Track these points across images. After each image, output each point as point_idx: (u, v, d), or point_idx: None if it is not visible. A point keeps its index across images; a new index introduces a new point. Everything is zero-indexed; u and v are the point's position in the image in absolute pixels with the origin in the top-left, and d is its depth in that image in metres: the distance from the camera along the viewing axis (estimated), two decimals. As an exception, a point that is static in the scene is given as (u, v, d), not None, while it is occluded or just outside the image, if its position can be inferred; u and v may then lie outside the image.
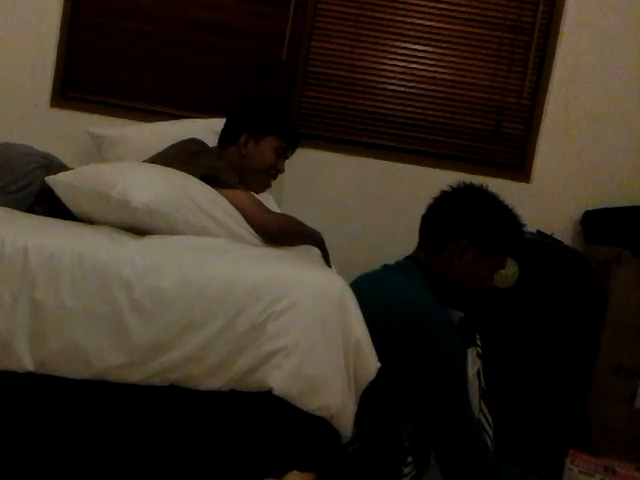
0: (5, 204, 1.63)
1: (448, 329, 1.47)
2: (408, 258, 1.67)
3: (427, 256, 1.63)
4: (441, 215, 1.63)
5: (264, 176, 2.07)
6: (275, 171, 2.09)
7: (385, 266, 1.69)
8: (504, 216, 1.63)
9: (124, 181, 1.42)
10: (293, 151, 2.16)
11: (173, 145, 1.95)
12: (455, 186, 1.65)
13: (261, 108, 2.07)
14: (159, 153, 1.93)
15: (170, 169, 1.59)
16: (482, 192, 1.64)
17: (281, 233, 1.62)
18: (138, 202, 1.38)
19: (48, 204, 1.62)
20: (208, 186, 1.60)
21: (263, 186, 2.10)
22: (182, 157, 1.78)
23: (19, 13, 2.53)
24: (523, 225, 1.65)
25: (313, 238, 1.73)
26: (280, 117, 2.08)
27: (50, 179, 1.56)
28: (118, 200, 1.39)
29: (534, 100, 2.61)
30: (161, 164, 1.68)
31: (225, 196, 1.61)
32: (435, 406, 1.41)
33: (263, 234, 1.60)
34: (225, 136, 2.07)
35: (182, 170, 1.62)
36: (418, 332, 1.43)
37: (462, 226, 1.59)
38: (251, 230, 1.59)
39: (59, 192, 1.56)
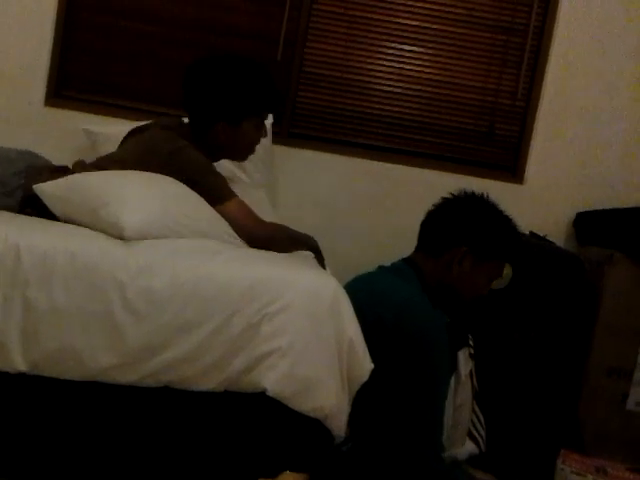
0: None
1: (439, 333, 1.48)
2: (404, 260, 1.68)
3: (424, 260, 1.64)
4: (442, 221, 1.65)
5: (246, 152, 1.92)
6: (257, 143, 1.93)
7: (380, 267, 1.70)
8: (504, 225, 1.65)
9: (116, 203, 1.38)
10: (277, 118, 2.00)
11: (144, 143, 1.76)
12: (457, 193, 1.68)
13: (235, 94, 1.79)
14: (131, 152, 1.76)
15: (162, 182, 1.53)
16: (483, 200, 1.66)
17: (271, 245, 1.59)
18: (131, 231, 1.33)
19: (30, 209, 1.58)
20: (202, 201, 1.55)
21: (246, 156, 1.95)
22: (158, 160, 1.65)
23: (14, 11, 2.51)
24: (522, 235, 1.68)
25: (306, 244, 1.71)
26: (258, 99, 1.82)
27: (38, 188, 1.52)
28: (109, 222, 1.36)
29: (527, 102, 2.62)
30: (135, 167, 1.59)
31: (216, 210, 1.58)
32: (409, 406, 1.43)
33: (253, 246, 1.58)
34: (197, 126, 1.83)
35: (162, 172, 1.57)
36: (408, 334, 1.44)
37: (463, 233, 1.61)
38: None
39: (47, 202, 1.52)
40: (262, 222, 1.68)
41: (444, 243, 1.61)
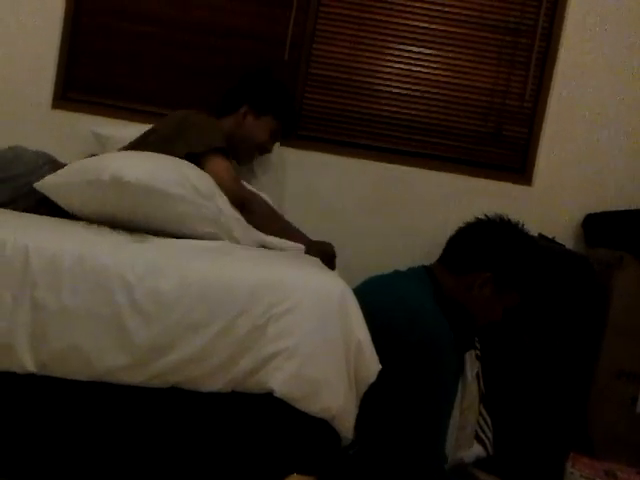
0: (15, 195, 1.63)
1: (448, 343, 1.47)
2: (424, 268, 1.66)
3: (444, 274, 1.63)
4: (473, 242, 1.63)
5: (253, 150, 2.10)
6: (264, 149, 2.10)
7: (396, 271, 1.69)
8: (535, 262, 1.64)
9: (114, 163, 1.44)
10: (286, 138, 2.16)
11: (165, 121, 1.94)
12: (493, 217, 1.67)
13: (271, 86, 2.08)
14: (152, 130, 1.94)
15: (156, 154, 1.60)
16: (518, 231, 1.65)
17: (244, 204, 1.67)
18: (131, 177, 1.39)
19: (45, 209, 1.61)
20: (192, 165, 1.63)
21: (248, 158, 2.13)
22: (168, 131, 1.80)
23: (21, 14, 2.53)
24: (551, 272, 1.67)
25: (295, 237, 1.74)
26: (285, 102, 2.09)
27: (38, 184, 1.57)
28: (111, 180, 1.40)
29: (536, 103, 2.61)
30: (155, 141, 1.73)
31: (204, 162, 1.68)
32: (412, 415, 1.43)
33: (230, 200, 1.63)
34: (226, 102, 2.08)
35: (173, 133, 1.70)
36: (417, 341, 1.43)
37: (491, 259, 1.59)
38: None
39: (49, 194, 1.56)
40: (242, 186, 1.75)
41: (469, 264, 1.60)
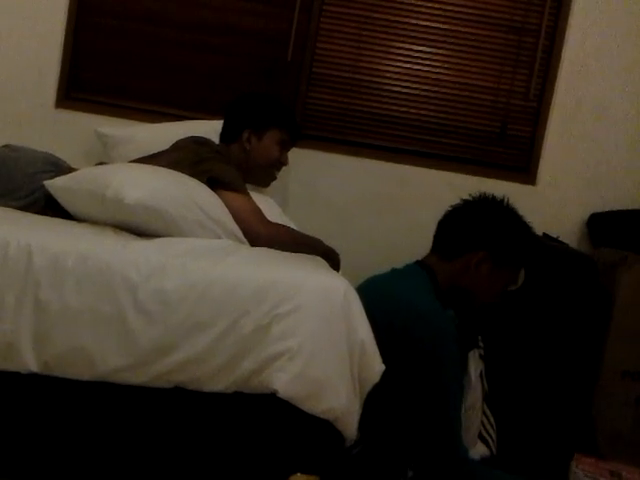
0: (17, 208, 1.62)
1: (449, 338, 1.46)
2: (417, 263, 1.66)
3: (439, 262, 1.63)
4: (462, 224, 1.63)
5: (270, 170, 2.09)
6: (280, 164, 2.10)
7: (393, 270, 1.69)
8: (524, 232, 1.64)
9: (118, 180, 1.42)
10: (295, 142, 2.16)
11: (179, 147, 1.92)
12: (477, 196, 1.66)
13: (260, 103, 2.07)
14: (162, 153, 1.90)
15: (167, 170, 1.58)
16: (503, 206, 1.65)
17: (272, 245, 1.61)
18: (131, 199, 1.38)
19: (51, 211, 1.62)
20: (204, 185, 1.61)
21: (269, 179, 2.12)
22: (188, 162, 1.75)
23: (25, 13, 2.53)
24: (539, 243, 1.68)
25: (315, 249, 1.70)
26: (279, 109, 2.08)
27: (48, 183, 1.57)
28: (112, 199, 1.39)
29: (540, 102, 2.60)
30: (165, 166, 1.67)
31: (224, 198, 1.62)
32: (421, 410, 1.42)
33: (250, 241, 1.61)
34: (226, 135, 2.07)
35: (188, 173, 1.62)
36: (418, 339, 1.43)
37: (482, 237, 1.59)
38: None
39: (57, 195, 1.57)
40: (265, 221, 1.69)
41: (462, 246, 1.60)
